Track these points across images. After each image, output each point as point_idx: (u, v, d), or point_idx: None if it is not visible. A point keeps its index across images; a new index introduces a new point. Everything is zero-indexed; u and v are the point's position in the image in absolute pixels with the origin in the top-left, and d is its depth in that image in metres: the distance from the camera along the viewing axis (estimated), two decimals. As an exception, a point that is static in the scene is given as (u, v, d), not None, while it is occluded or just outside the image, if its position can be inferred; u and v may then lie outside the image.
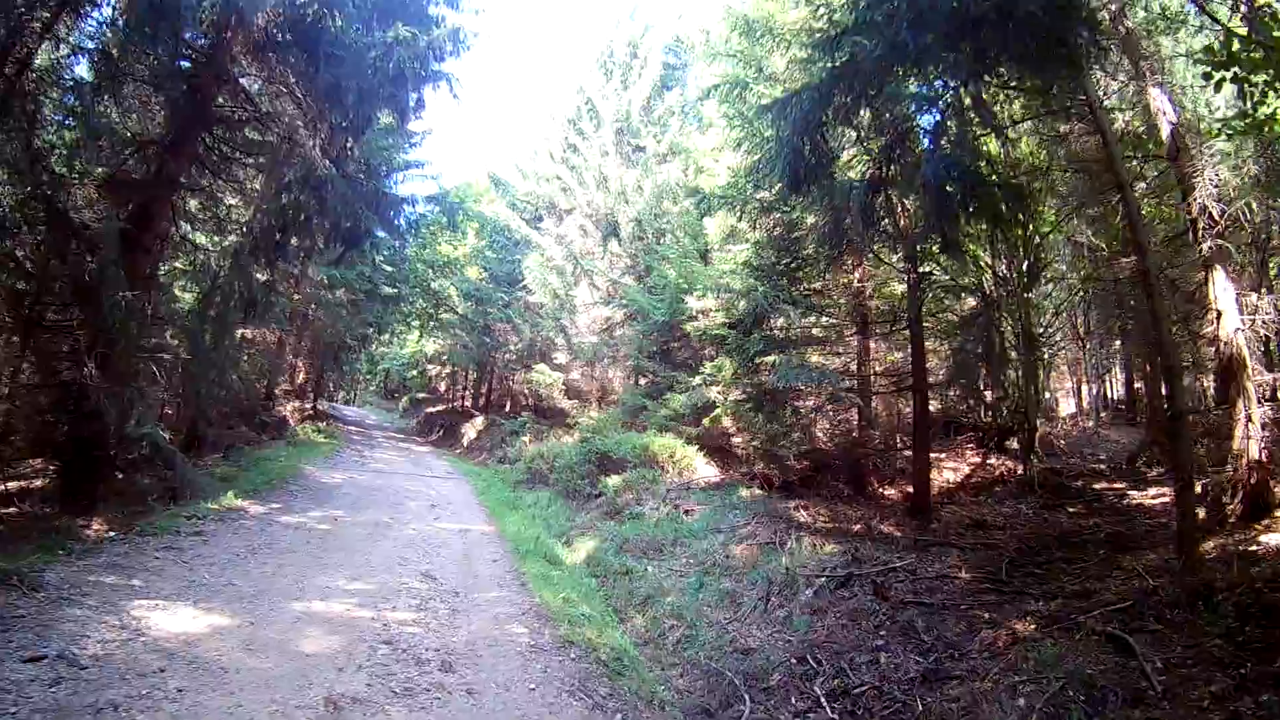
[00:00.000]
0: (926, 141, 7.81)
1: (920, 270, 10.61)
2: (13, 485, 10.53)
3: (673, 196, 20.19)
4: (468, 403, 34.60)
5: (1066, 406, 21.04)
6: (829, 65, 7.20)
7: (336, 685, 4.69)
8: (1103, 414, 19.29)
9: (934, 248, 9.75)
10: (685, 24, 24.26)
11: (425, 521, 10.91)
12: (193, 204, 11.82)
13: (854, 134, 8.25)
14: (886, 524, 10.20)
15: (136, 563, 6.83)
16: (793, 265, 12.02)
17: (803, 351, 11.73)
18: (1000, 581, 7.40)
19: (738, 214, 11.98)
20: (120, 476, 9.16)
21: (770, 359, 11.00)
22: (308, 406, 26.13)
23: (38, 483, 9.48)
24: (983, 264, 11.65)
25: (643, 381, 18.54)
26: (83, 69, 9.77)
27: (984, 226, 9.27)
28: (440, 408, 37.23)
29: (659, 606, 8.10)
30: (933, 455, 11.81)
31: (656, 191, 20.51)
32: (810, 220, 11.39)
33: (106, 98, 9.87)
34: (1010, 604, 6.84)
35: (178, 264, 13.36)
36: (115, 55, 8.90)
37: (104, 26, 8.98)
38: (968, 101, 7.19)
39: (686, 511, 11.47)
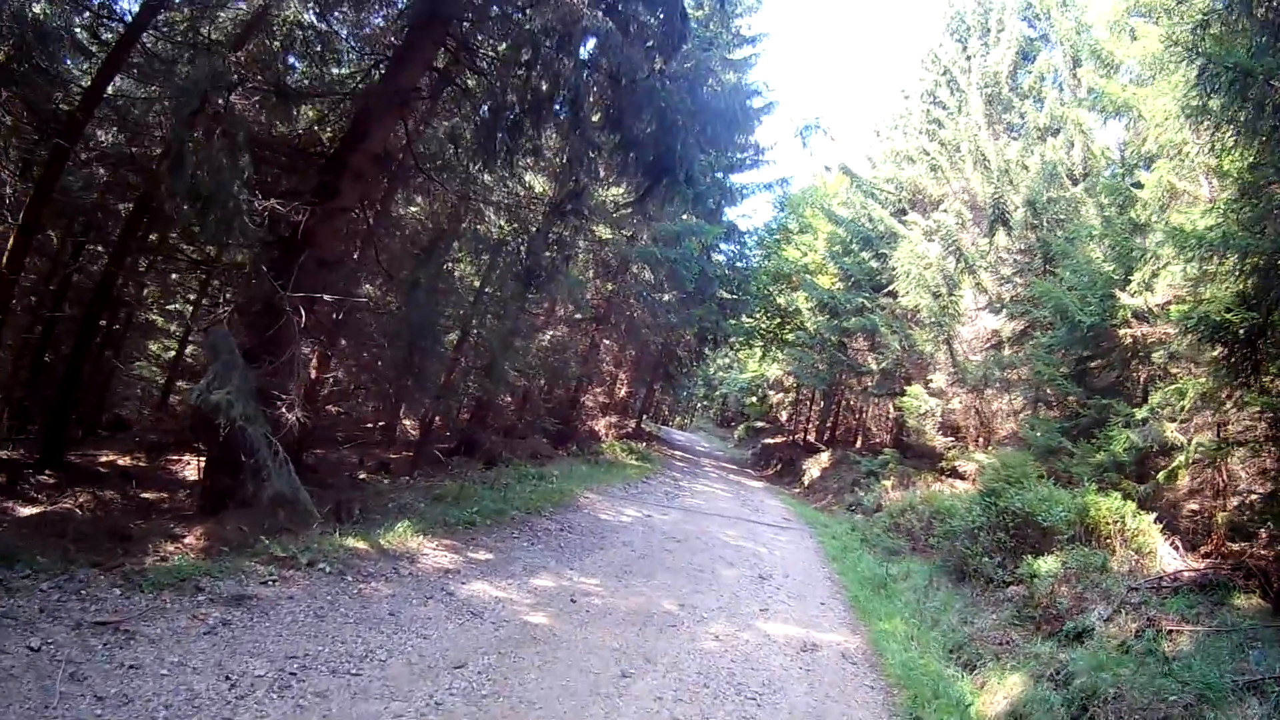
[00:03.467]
0: None
1: None
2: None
3: (1060, 182, 15.93)
4: (810, 435, 31.07)
5: None
6: None
7: None
8: None
9: None
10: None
11: (741, 618, 7.01)
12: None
13: None
14: None
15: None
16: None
17: None
18: None
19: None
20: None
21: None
22: (628, 423, 24.31)
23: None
24: None
25: (1047, 414, 13.65)
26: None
27: None
28: (779, 439, 34.10)
29: None
30: None
31: (1045, 170, 15.73)
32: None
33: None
34: None
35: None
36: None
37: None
38: None
39: (1169, 633, 6.92)
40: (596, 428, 21.13)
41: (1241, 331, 7.63)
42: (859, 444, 24.31)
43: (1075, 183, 16.18)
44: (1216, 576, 7.81)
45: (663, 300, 19.66)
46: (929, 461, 17.06)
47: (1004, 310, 15.82)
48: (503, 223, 12.84)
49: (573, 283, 16.08)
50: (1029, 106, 18.02)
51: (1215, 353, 8.34)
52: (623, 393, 25.67)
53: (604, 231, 17.05)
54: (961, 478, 15.47)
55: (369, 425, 15.92)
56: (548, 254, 12.83)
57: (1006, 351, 15.58)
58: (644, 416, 29.63)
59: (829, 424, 29.72)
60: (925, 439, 17.06)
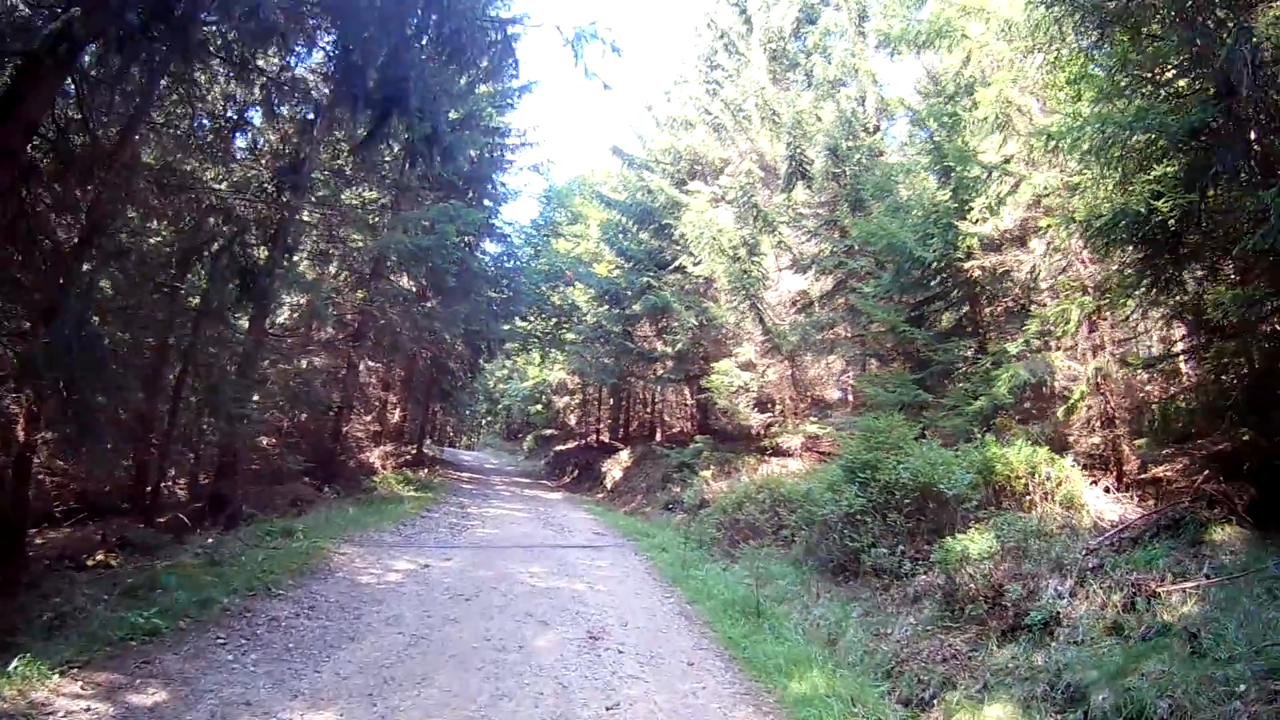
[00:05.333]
0: None
1: None
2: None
3: (855, 133, 14.89)
4: (604, 435, 28.88)
5: None
6: None
7: None
8: None
9: None
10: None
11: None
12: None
13: None
14: None
15: None
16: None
17: None
18: None
19: None
20: None
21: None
22: (407, 451, 20.89)
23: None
24: None
25: (882, 370, 12.16)
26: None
27: None
28: (571, 444, 31.69)
29: None
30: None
31: (843, 117, 14.49)
32: None
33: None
34: None
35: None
36: None
37: None
38: None
39: (1154, 596, 5.11)
40: (370, 460, 17.73)
41: (1172, 222, 6.11)
42: (658, 437, 22.39)
43: (870, 135, 15.29)
44: (1174, 513, 6.19)
45: (426, 309, 16.61)
46: (746, 444, 15.26)
47: (812, 267, 14.29)
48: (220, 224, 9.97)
49: (307, 285, 12.91)
50: (817, 60, 16.84)
51: (1127, 256, 6.86)
52: (397, 417, 22.12)
53: (357, 238, 14.91)
54: (786, 455, 13.72)
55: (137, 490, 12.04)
56: (266, 249, 10.44)
57: (819, 312, 14.04)
58: (427, 441, 26.28)
59: (622, 420, 27.81)
60: (739, 419, 15.16)
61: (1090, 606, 5.32)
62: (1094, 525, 6.57)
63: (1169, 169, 6.15)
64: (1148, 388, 8.84)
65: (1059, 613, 5.32)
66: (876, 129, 15.97)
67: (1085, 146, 6.66)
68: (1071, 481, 6.91)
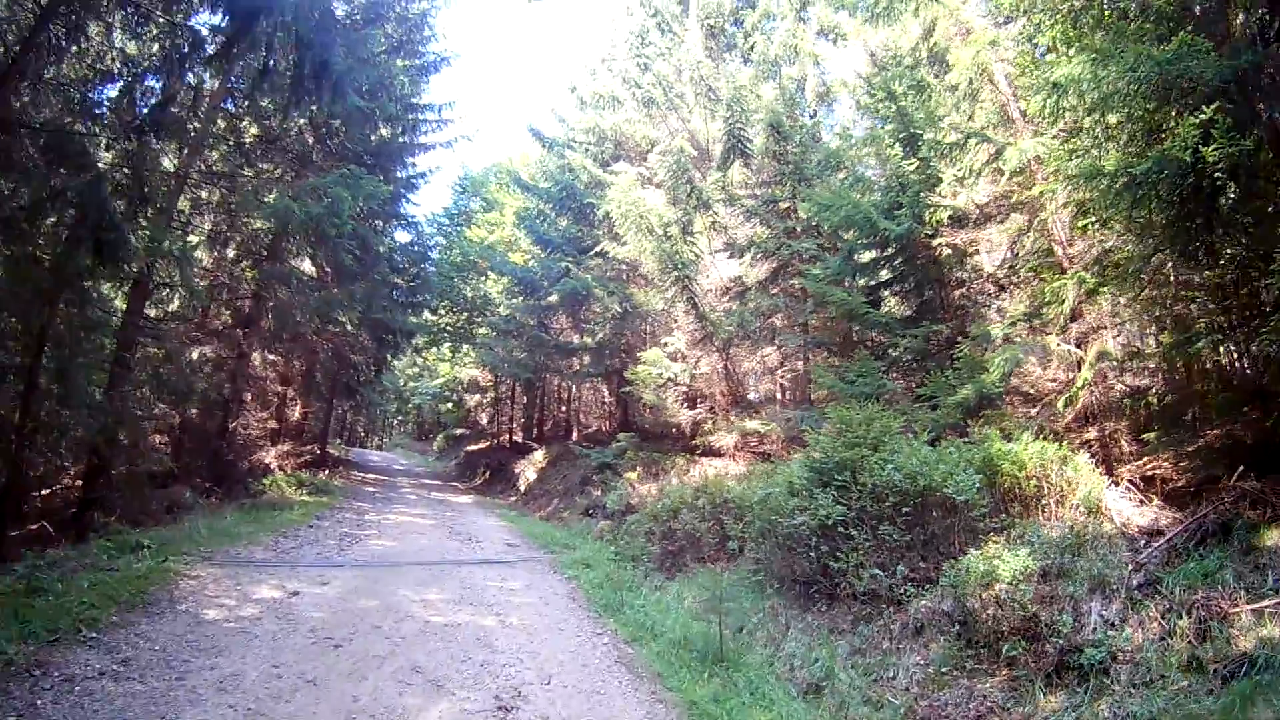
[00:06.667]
0: None
1: None
2: None
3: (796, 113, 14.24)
4: (517, 434, 27.12)
5: None
6: None
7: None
8: None
9: None
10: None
11: None
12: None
13: None
14: None
15: None
16: None
17: None
18: None
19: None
20: None
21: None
22: (308, 451, 18.81)
23: None
24: None
25: (829, 360, 10.97)
26: None
27: None
28: (483, 444, 29.78)
29: None
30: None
31: (785, 94, 13.68)
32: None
33: None
34: None
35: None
36: None
37: None
38: None
39: (1224, 618, 4.11)
40: (264, 460, 15.61)
41: (1218, 174, 5.07)
42: (575, 436, 20.88)
43: (811, 119, 14.41)
44: (1220, 516, 5.13)
45: (324, 294, 14.71)
46: (673, 443, 13.92)
47: (749, 251, 13.05)
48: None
49: (179, 255, 10.96)
50: (757, 39, 15.81)
51: (1157, 217, 5.75)
52: (297, 415, 19.92)
53: (252, 221, 13.70)
54: (718, 455, 12.44)
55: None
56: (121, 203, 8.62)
57: (756, 298, 12.75)
58: (333, 440, 24.46)
59: (536, 419, 26.15)
60: (666, 415, 13.76)
61: (1149, 635, 4.18)
62: (1121, 533, 5.45)
63: (1214, 115, 5.07)
64: (1124, 379, 7.90)
65: (1110, 648, 4.17)
66: (815, 114, 15.10)
67: (1105, 91, 5.56)
68: (1088, 484, 5.78)
